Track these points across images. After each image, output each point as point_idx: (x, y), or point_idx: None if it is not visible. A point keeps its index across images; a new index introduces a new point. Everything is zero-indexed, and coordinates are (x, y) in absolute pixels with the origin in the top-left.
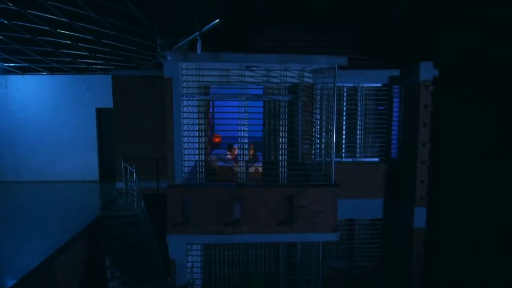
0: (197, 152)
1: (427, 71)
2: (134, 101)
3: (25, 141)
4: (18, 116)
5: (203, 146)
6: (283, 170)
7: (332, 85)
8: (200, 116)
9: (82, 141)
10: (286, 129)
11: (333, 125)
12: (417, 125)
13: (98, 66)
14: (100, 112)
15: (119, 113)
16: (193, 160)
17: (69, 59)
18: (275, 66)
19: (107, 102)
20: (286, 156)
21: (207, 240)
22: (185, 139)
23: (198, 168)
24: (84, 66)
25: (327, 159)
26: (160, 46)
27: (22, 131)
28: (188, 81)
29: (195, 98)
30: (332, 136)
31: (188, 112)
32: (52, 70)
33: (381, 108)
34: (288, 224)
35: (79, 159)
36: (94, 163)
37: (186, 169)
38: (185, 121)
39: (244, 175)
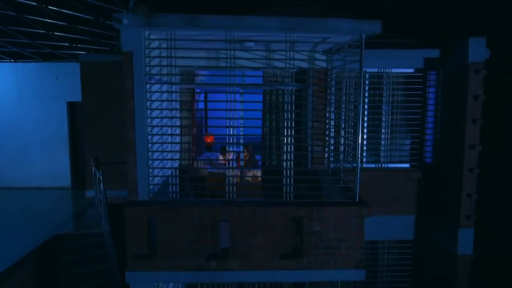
0: (173, 156)
1: (478, 50)
2: (108, 92)
3: None
4: None
5: (181, 148)
6: (288, 181)
7: (354, 67)
8: (182, 108)
9: (51, 140)
10: (293, 126)
11: (358, 119)
12: (463, 122)
13: (65, 51)
14: (72, 106)
15: (89, 107)
16: (168, 168)
17: (26, 41)
18: (278, 36)
19: (80, 95)
20: (293, 162)
21: (183, 279)
22: (155, 139)
23: (171, 179)
24: (49, 51)
25: (346, 164)
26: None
27: None
28: (157, 57)
29: (166, 81)
30: (358, 136)
31: (162, 101)
32: (14, 57)
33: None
34: (296, 257)
35: (47, 162)
36: (65, 167)
37: (156, 180)
38: (155, 113)
39: (235, 187)
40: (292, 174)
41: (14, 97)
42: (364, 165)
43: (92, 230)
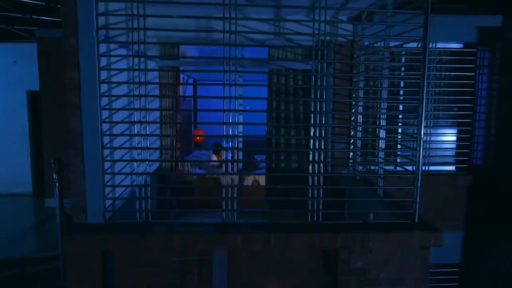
0: (145, 155)
1: None
2: None
3: None
4: None
5: (161, 145)
6: (315, 193)
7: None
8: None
9: (8, 137)
10: (320, 116)
11: (422, 104)
12: None
13: (22, 27)
14: (33, 96)
15: (49, 95)
16: (137, 174)
17: None
18: None
19: None
20: (322, 165)
21: None
22: (118, 130)
23: (140, 191)
24: (2, 27)
25: (386, 167)
26: None
27: None
28: (117, 0)
29: (133, 41)
30: (420, 128)
31: (127, 70)
32: None
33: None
34: None
35: (3, 163)
36: (25, 169)
37: (118, 192)
38: (118, 91)
39: (235, 202)
40: (321, 183)
41: None
42: (398, 168)
43: (47, 253)
